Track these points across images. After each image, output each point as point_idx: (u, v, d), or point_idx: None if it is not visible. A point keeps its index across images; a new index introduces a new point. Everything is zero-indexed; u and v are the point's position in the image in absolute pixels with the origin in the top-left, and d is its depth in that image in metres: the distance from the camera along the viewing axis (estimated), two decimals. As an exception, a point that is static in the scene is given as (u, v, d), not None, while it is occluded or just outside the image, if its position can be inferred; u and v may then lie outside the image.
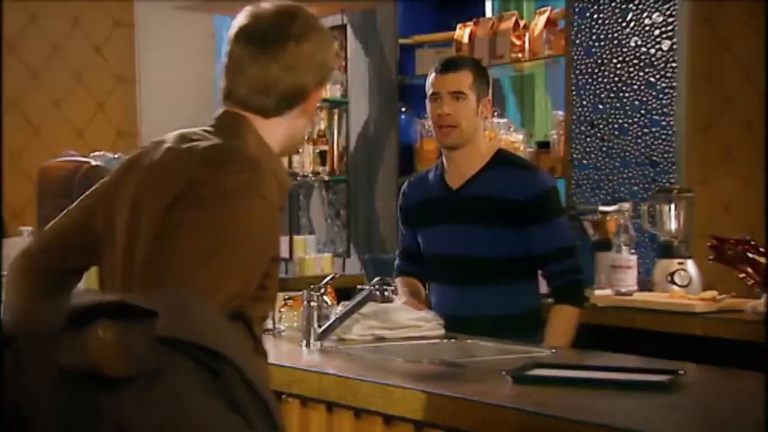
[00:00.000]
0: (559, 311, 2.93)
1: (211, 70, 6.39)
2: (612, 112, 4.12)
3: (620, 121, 4.13)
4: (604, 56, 4.11)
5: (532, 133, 4.50)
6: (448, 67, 2.91)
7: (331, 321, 2.66)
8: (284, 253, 5.42)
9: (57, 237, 1.93)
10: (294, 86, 1.88)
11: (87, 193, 1.94)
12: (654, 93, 4.12)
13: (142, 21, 6.07)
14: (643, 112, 4.13)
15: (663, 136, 4.13)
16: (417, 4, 4.98)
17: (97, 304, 1.41)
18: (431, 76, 2.93)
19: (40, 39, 5.79)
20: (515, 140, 4.22)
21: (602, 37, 4.11)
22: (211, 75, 6.39)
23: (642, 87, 4.13)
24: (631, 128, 4.13)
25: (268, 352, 1.87)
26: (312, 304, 2.65)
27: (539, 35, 4.33)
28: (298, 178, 5.24)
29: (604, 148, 4.13)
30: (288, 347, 2.74)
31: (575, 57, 4.09)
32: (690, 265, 3.86)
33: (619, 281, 3.72)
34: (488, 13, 4.84)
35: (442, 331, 2.81)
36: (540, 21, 4.34)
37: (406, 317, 2.77)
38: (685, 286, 3.82)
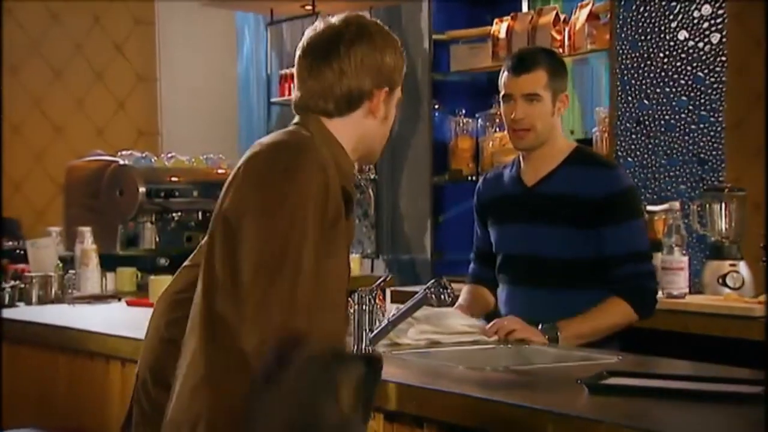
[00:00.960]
0: (613, 302, 2.72)
1: (233, 67, 6.30)
2: (658, 108, 3.98)
3: (667, 117, 3.99)
4: (651, 50, 3.97)
5: (573, 130, 4.37)
6: (521, 66, 2.77)
7: (383, 324, 2.52)
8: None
9: None
10: (349, 89, 1.99)
11: None
12: (702, 88, 3.98)
13: (163, 18, 5.99)
14: (690, 108, 3.99)
15: (711, 133, 3.99)
16: (450, 1, 4.86)
17: None
18: (504, 75, 2.80)
19: (62, 38, 5.72)
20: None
21: (648, 30, 3.97)
22: (233, 73, 6.29)
23: (690, 82, 3.99)
24: (678, 125, 3.99)
25: None
26: (364, 307, 2.52)
27: (581, 29, 4.20)
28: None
29: (649, 146, 3.99)
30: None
31: (620, 51, 3.95)
32: (742, 267, 3.73)
33: (671, 284, 3.57)
34: (524, 8, 4.70)
35: (496, 336, 2.68)
36: (582, 15, 4.21)
37: (460, 323, 2.64)
38: (737, 289, 3.68)
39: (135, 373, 2.14)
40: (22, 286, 3.71)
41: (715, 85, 3.99)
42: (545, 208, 2.78)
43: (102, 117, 5.89)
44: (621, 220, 2.72)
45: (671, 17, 3.97)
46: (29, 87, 5.60)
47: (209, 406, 1.83)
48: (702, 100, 3.99)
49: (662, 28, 3.97)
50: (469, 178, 4.64)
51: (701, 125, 4.00)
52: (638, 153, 3.98)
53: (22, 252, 4.09)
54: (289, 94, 5.55)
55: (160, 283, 2.90)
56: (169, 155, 4.49)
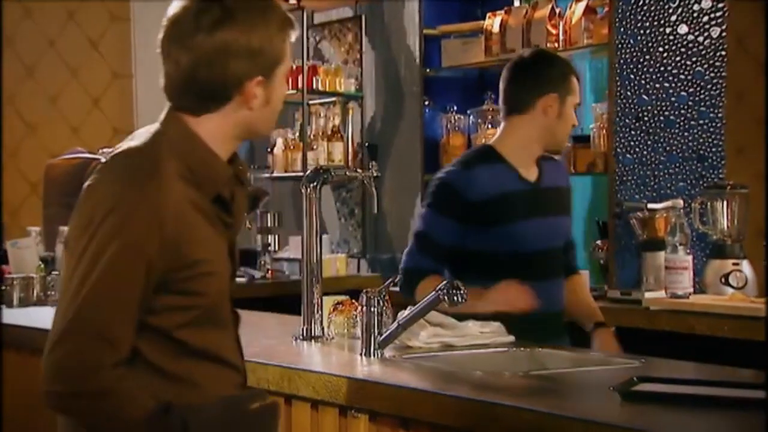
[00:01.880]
0: (580, 278, 3.04)
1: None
2: (658, 103, 3.89)
3: (666, 113, 3.90)
4: (650, 45, 3.88)
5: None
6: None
7: (393, 327, 2.41)
8: (299, 254, 5.15)
9: None
10: (211, 80, 1.73)
11: None
12: (702, 83, 3.90)
13: (139, 15, 5.85)
14: (690, 103, 3.90)
15: (711, 130, 3.91)
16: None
17: None
18: (573, 81, 2.82)
19: (35, 34, 5.57)
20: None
21: (647, 24, 3.87)
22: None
23: (689, 77, 3.90)
24: (677, 121, 3.90)
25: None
26: (373, 309, 2.40)
27: (577, 23, 4.10)
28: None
29: (649, 142, 3.90)
30: (346, 357, 2.49)
31: (619, 45, 3.85)
32: (746, 266, 3.65)
33: (674, 283, 3.49)
34: (516, 2, 4.60)
35: (511, 338, 2.57)
36: (578, 8, 4.11)
37: (476, 329, 2.52)
38: (740, 288, 3.60)
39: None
40: (3, 288, 3.57)
41: (716, 81, 3.91)
42: (551, 201, 2.85)
43: (76, 115, 5.77)
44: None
45: (671, 11, 3.89)
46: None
47: None
48: (702, 96, 3.90)
49: (662, 21, 3.89)
50: (462, 175, 4.52)
51: (701, 121, 3.91)
52: (637, 150, 3.89)
53: (1, 253, 3.94)
54: (274, 90, 5.40)
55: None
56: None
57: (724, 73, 3.91)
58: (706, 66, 3.90)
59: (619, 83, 3.86)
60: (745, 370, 2.27)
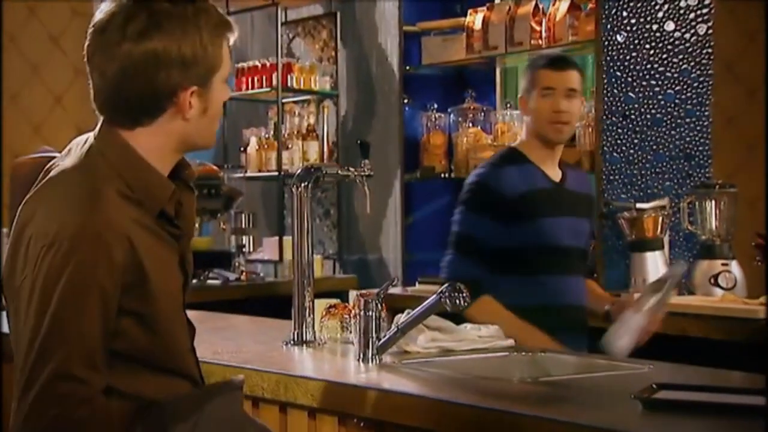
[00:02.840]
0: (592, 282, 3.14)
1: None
2: (644, 101, 3.83)
3: (653, 111, 3.84)
4: (636, 42, 3.81)
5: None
6: (562, 63, 2.90)
7: (392, 332, 2.30)
8: (274, 255, 5.06)
9: None
10: (140, 93, 1.64)
11: None
12: (689, 81, 3.84)
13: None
14: (677, 101, 3.85)
15: (698, 128, 3.85)
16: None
17: None
18: (541, 71, 2.87)
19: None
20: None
21: (633, 21, 3.81)
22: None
23: (676, 75, 3.84)
24: (665, 119, 3.84)
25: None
26: (370, 313, 2.30)
27: (561, 20, 4.03)
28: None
29: (635, 141, 3.83)
30: (343, 363, 2.38)
31: (605, 42, 3.78)
32: (734, 267, 3.60)
33: (666, 284, 3.42)
34: (496, -1, 4.51)
35: (510, 342, 2.49)
36: (562, 5, 4.04)
37: (474, 333, 2.44)
38: (729, 289, 3.55)
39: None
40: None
41: (702, 78, 3.85)
42: (575, 203, 2.93)
43: (38, 113, 5.62)
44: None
45: (657, 7, 3.83)
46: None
47: None
48: (689, 94, 3.85)
49: (648, 18, 3.82)
50: (443, 175, 4.43)
51: (687, 119, 3.86)
52: (624, 148, 3.83)
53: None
54: (248, 88, 5.29)
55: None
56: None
57: (710, 71, 3.86)
58: (692, 64, 3.84)
59: (605, 81, 3.79)
60: (756, 375, 2.20)
